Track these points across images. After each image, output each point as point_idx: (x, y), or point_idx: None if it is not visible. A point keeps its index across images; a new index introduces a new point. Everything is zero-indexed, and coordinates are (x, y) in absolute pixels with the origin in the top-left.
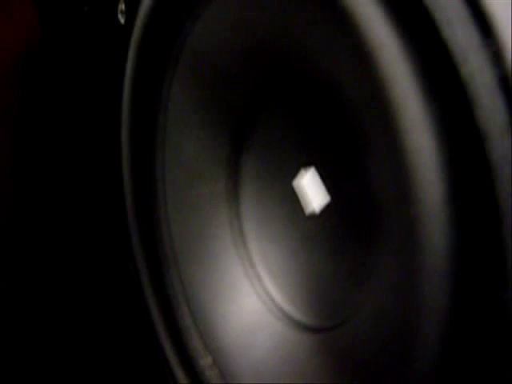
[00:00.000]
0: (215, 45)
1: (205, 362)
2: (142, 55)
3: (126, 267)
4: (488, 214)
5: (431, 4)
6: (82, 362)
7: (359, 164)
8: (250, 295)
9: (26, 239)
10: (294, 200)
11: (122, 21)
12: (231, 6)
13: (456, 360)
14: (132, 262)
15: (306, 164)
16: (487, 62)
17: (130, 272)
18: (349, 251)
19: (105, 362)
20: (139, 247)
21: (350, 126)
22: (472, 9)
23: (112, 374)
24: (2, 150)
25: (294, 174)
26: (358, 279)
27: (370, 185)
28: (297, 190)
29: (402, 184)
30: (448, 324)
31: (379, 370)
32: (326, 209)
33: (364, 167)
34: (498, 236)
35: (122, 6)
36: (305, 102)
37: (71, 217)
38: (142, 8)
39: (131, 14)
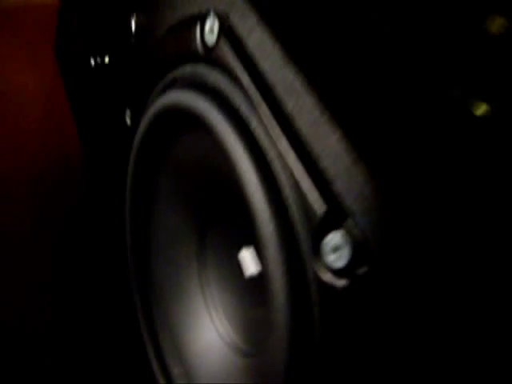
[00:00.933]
0: (185, 158)
1: (178, 370)
2: (141, 154)
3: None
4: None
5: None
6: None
7: None
8: (209, 325)
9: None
10: (239, 265)
11: (129, 122)
12: (191, 142)
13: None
14: (131, 294)
15: (247, 243)
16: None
17: (128, 302)
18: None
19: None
20: (136, 285)
21: None
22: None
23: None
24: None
25: (239, 248)
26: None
27: None
28: (240, 260)
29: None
30: (292, 353)
31: None
32: (259, 274)
33: None
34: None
35: (128, 112)
36: (240, 207)
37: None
38: (142, 124)
39: (135, 118)
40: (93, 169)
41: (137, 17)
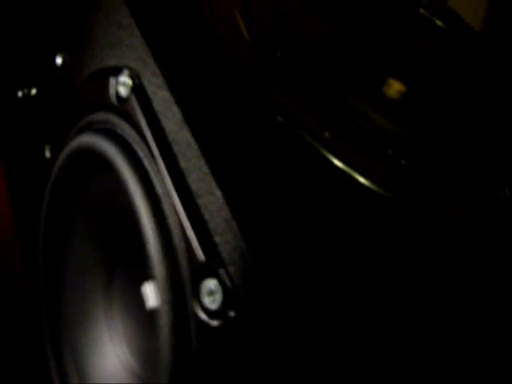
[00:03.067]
0: (97, 195)
1: None
2: (56, 187)
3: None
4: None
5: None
6: None
7: None
8: (111, 351)
9: None
10: (142, 298)
11: (48, 155)
12: (102, 181)
13: None
14: (40, 321)
15: (148, 278)
16: None
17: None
18: None
19: None
20: (45, 311)
21: None
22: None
23: None
24: None
25: (141, 282)
26: None
27: None
28: (142, 293)
29: None
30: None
31: None
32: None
33: None
34: None
35: (48, 146)
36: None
37: None
38: (59, 160)
39: (54, 152)
40: (12, 195)
41: (63, 56)
